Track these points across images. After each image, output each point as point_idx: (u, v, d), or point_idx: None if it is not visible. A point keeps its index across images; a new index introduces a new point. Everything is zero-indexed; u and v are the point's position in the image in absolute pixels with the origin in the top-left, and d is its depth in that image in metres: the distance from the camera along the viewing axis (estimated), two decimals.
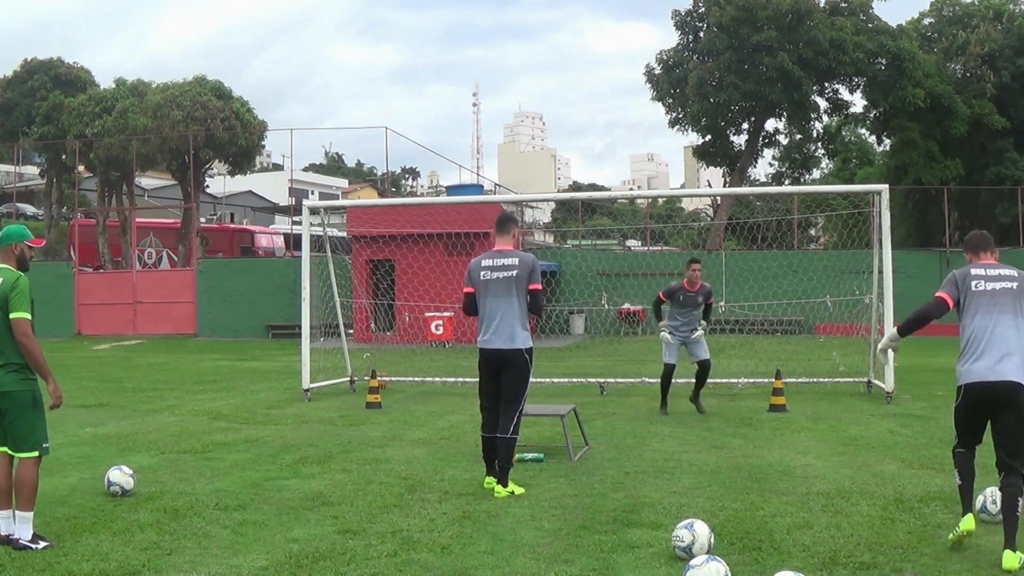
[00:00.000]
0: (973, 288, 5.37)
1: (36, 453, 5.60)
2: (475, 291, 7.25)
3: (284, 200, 52.20)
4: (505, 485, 6.91)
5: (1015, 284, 5.36)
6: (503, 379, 7.11)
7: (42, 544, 5.50)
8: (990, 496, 5.89)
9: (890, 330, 5.68)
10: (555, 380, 14.24)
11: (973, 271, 5.46)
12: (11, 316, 5.50)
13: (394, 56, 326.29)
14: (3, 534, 5.62)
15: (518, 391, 7.11)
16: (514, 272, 7.09)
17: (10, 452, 5.63)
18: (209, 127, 32.65)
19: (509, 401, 7.08)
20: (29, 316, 5.55)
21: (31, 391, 5.62)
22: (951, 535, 5.42)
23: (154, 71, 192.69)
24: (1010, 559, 4.98)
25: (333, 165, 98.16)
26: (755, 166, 41.67)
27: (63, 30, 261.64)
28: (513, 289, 7.08)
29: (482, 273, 7.18)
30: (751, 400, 12.47)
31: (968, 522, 5.25)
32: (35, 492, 5.59)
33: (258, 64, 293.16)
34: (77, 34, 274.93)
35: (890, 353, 6.00)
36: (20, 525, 5.49)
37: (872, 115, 36.90)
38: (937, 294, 5.48)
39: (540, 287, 7.19)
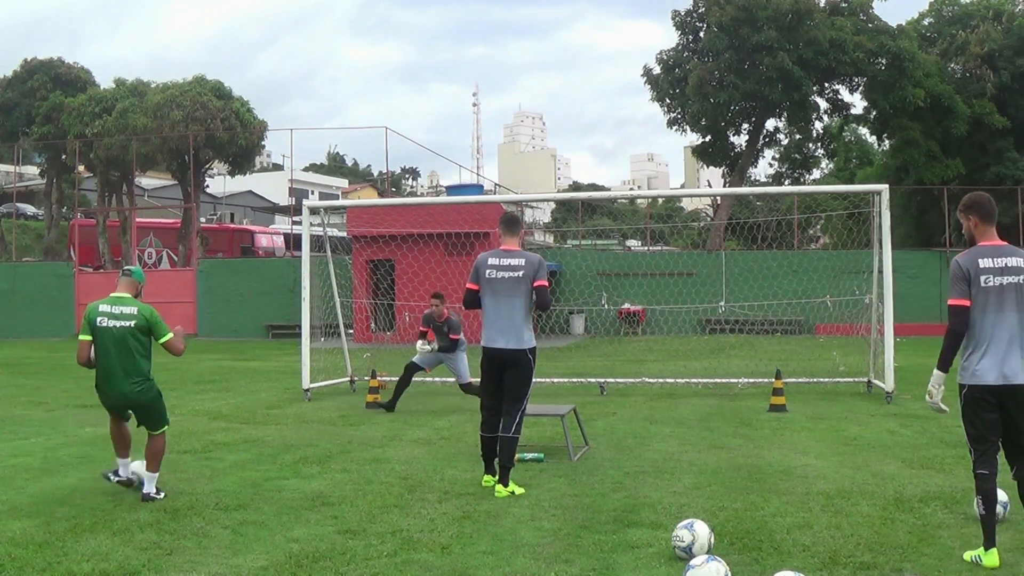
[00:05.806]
0: (982, 284, 5.19)
1: (165, 428, 7.09)
2: (479, 288, 7.26)
3: (284, 200, 52.23)
4: (506, 485, 6.91)
5: (1021, 278, 5.21)
6: (507, 378, 7.13)
7: (162, 494, 6.79)
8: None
9: (934, 374, 5.38)
10: (555, 380, 14.23)
11: (982, 263, 5.23)
12: (162, 341, 6.92)
13: (400, 53, 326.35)
14: (121, 476, 7.02)
15: (522, 390, 7.13)
16: (520, 272, 7.10)
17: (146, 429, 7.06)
18: (209, 127, 32.66)
19: (513, 400, 7.10)
20: (173, 335, 7.01)
21: (158, 392, 7.04)
22: (967, 555, 5.20)
23: (159, 65, 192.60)
24: None
25: (334, 165, 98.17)
26: (755, 166, 41.77)
27: (67, 25, 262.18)
28: (519, 289, 7.09)
29: (488, 271, 7.18)
30: (751, 400, 12.47)
31: (993, 558, 5.05)
32: (162, 457, 6.99)
33: (265, 59, 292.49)
34: (81, 28, 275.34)
35: (940, 394, 5.40)
36: (148, 483, 6.82)
37: (872, 115, 36.89)
38: (951, 302, 5.24)
39: (546, 284, 7.20)
